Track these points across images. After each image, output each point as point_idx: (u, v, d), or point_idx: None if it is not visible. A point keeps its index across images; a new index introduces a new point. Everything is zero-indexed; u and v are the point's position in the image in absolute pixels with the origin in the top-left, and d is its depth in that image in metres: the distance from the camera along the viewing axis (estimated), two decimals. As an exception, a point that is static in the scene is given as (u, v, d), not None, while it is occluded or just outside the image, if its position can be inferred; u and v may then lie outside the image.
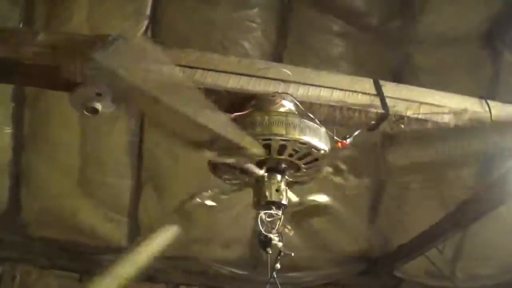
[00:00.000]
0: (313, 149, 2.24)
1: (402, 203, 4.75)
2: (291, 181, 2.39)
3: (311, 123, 2.28)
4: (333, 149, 2.38)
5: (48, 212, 4.61)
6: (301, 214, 2.51)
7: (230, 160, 2.21)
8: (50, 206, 4.60)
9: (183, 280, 5.11)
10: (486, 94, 3.76)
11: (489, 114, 2.69)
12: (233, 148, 2.12)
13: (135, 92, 1.93)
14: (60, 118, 4.18)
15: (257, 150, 2.17)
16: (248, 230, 4.73)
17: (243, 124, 2.26)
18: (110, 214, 4.71)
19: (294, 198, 2.36)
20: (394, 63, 4.22)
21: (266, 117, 2.22)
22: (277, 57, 4.16)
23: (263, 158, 2.24)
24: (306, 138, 2.20)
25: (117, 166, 4.54)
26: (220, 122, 2.03)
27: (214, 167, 2.34)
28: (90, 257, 4.82)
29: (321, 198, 2.42)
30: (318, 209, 2.47)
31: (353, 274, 5.26)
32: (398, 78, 4.09)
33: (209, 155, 2.18)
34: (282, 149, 2.21)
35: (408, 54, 4.20)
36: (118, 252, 4.79)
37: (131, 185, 4.63)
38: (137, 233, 4.79)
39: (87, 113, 2.32)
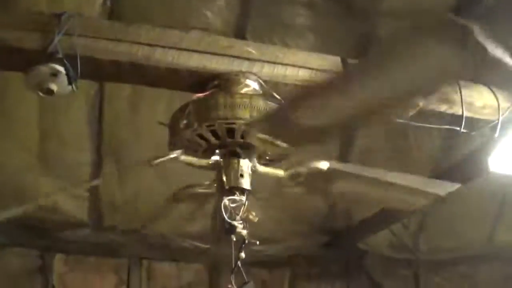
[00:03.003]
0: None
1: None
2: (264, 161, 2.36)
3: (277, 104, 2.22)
4: None
5: (7, 188, 4.48)
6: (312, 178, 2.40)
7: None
8: (9, 181, 4.47)
9: (146, 254, 5.06)
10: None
11: None
12: None
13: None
14: (17, 92, 4.04)
15: None
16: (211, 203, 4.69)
17: (205, 106, 2.20)
18: (71, 189, 4.61)
19: (281, 173, 2.32)
20: (360, 35, 4.16)
21: (230, 100, 2.15)
22: (241, 28, 4.05)
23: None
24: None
25: (76, 140, 4.41)
26: None
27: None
28: (51, 233, 4.74)
29: (323, 164, 2.34)
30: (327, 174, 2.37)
31: (317, 246, 5.29)
32: (364, 50, 4.06)
33: None
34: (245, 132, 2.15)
35: (374, 27, 4.13)
36: (79, 227, 4.78)
37: (91, 159, 4.51)
38: (99, 208, 4.73)
39: (42, 94, 2.27)
